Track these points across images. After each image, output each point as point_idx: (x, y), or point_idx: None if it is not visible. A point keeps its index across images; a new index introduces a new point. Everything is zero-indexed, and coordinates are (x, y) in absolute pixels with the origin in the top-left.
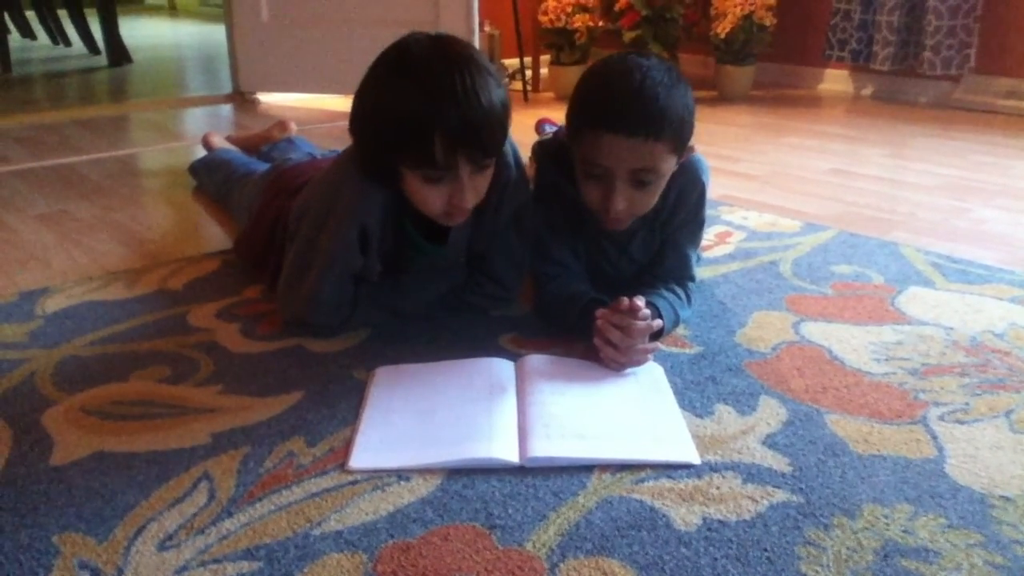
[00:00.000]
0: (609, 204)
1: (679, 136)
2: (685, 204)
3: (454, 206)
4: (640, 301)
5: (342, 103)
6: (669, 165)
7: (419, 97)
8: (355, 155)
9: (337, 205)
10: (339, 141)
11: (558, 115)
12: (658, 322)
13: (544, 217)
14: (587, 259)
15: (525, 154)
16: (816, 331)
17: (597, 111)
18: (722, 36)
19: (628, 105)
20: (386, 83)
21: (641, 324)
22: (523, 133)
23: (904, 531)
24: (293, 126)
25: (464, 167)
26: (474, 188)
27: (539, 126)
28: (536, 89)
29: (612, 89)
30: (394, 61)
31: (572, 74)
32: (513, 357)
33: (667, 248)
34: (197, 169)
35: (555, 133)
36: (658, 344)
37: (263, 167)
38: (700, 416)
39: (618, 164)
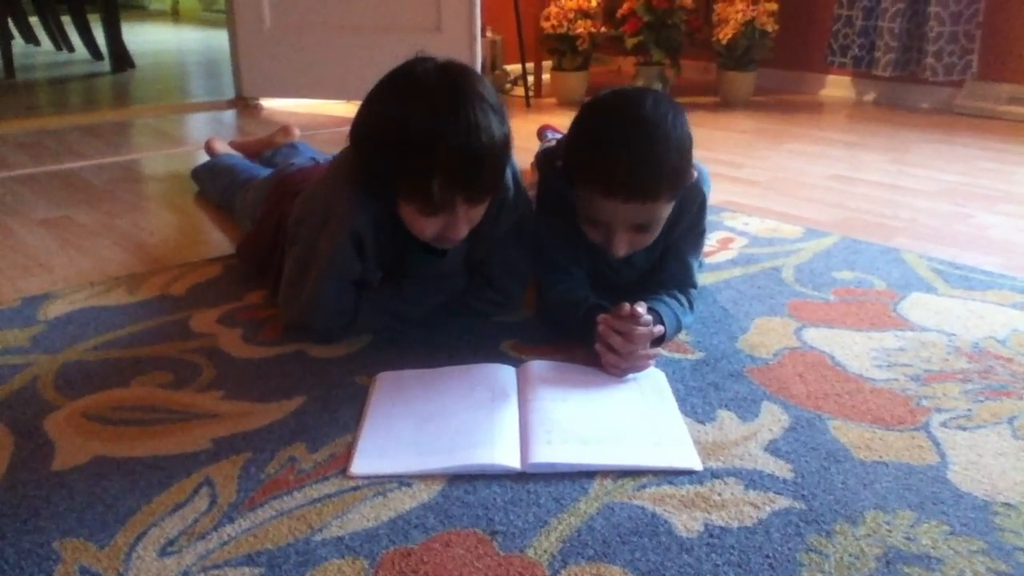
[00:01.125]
0: (611, 248)
1: (676, 185)
2: (686, 214)
3: (447, 237)
4: (641, 307)
5: (345, 108)
6: (667, 210)
7: (422, 137)
8: (352, 160)
9: (333, 209)
10: (342, 147)
11: (560, 121)
12: (659, 328)
13: (546, 225)
14: (589, 266)
15: (527, 161)
16: (818, 337)
17: (592, 176)
18: (724, 42)
19: (623, 173)
20: (390, 115)
21: (643, 330)
22: (525, 139)
23: (906, 538)
24: (296, 131)
25: (460, 205)
26: (469, 220)
27: (541, 133)
28: (538, 95)
29: (606, 153)
30: (399, 92)
31: (574, 80)
32: (515, 363)
33: (669, 256)
34: (199, 174)
35: (557, 140)
36: (659, 350)
37: (266, 172)
38: (702, 422)
39: (615, 222)
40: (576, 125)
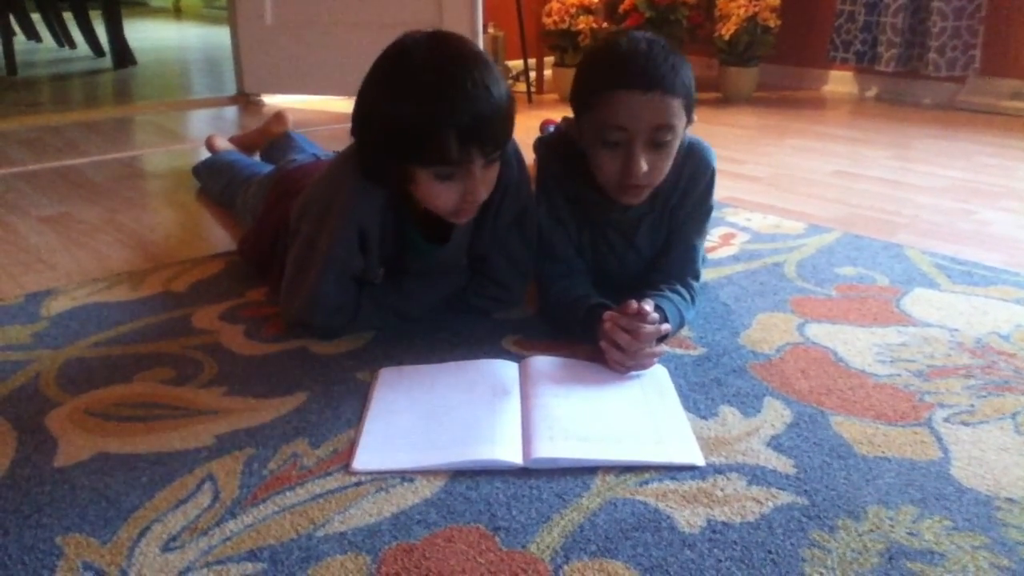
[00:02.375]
0: (631, 168)
1: (688, 96)
2: (695, 189)
3: (467, 201)
4: (648, 305)
5: (346, 104)
6: (682, 125)
7: (430, 99)
8: (354, 155)
9: (335, 201)
10: (343, 143)
11: (562, 116)
12: (666, 326)
13: (548, 209)
14: (592, 255)
15: (529, 156)
16: (820, 333)
17: (611, 73)
18: (726, 38)
19: (640, 63)
20: (392, 87)
21: (649, 328)
22: (527, 135)
23: (909, 533)
24: (289, 117)
25: (477, 160)
26: (485, 181)
27: (544, 127)
28: (540, 91)
29: (622, 53)
30: (396, 65)
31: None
32: (517, 359)
33: (674, 239)
34: (200, 171)
35: (555, 129)
36: (664, 347)
37: (267, 169)
38: (704, 418)
39: (636, 123)
40: (584, 58)
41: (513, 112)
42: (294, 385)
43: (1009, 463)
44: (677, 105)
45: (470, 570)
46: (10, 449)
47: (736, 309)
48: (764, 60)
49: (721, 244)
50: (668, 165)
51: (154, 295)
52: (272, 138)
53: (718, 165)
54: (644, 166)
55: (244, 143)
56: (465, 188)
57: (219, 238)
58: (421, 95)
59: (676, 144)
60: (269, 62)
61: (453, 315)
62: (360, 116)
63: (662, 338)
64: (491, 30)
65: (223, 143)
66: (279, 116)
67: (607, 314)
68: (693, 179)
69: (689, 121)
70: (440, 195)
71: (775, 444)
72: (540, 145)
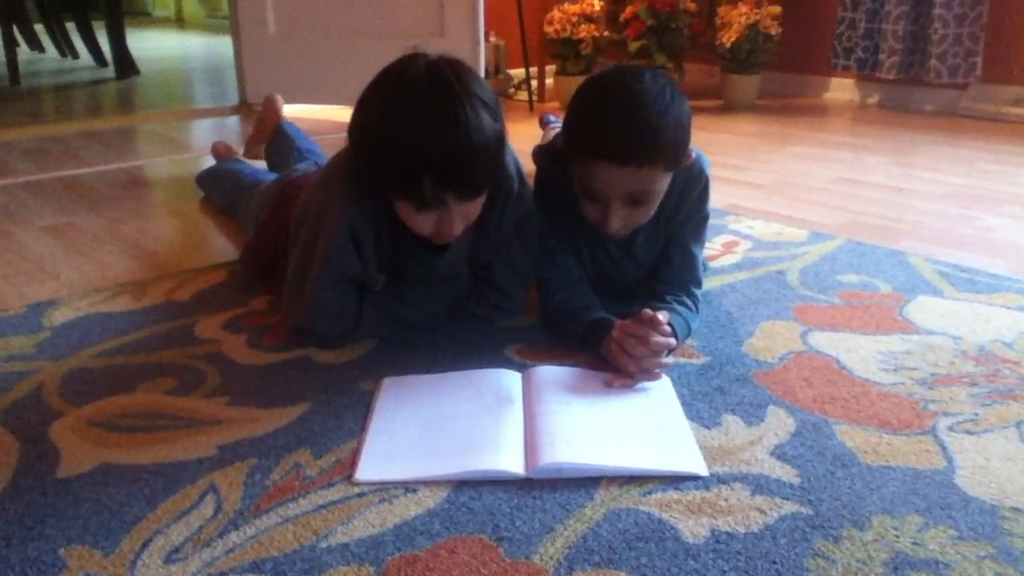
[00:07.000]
0: (606, 224)
1: (673, 157)
2: (688, 199)
3: (442, 232)
4: (662, 315)
5: (348, 114)
6: (664, 182)
7: (411, 136)
8: (346, 159)
9: (328, 208)
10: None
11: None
12: (673, 341)
13: (546, 217)
14: (591, 261)
15: (531, 164)
16: (824, 341)
17: (589, 140)
18: (728, 45)
19: (619, 135)
20: (381, 114)
21: (660, 339)
22: (528, 144)
23: (914, 543)
24: (280, 99)
25: (452, 202)
26: (463, 216)
27: (543, 119)
28: (542, 99)
29: (603, 117)
30: (390, 91)
31: (577, 84)
32: (519, 368)
33: (672, 248)
34: (203, 180)
35: (556, 134)
36: (670, 360)
37: (270, 177)
38: (708, 427)
39: (611, 189)
40: (576, 97)
41: (499, 155)
42: (297, 395)
43: (1014, 472)
44: (656, 172)
45: None
46: (13, 460)
47: (739, 317)
48: (766, 67)
49: (724, 252)
50: (649, 214)
51: (157, 305)
52: (271, 126)
53: (720, 173)
54: (619, 222)
55: (253, 143)
56: (441, 220)
57: (222, 247)
58: (402, 132)
59: (658, 198)
60: (271, 71)
61: (455, 323)
62: (353, 130)
63: (670, 352)
64: (493, 39)
65: (226, 150)
66: (269, 100)
67: (619, 324)
68: (687, 187)
69: (679, 167)
70: (417, 222)
71: (779, 453)
72: (539, 152)
